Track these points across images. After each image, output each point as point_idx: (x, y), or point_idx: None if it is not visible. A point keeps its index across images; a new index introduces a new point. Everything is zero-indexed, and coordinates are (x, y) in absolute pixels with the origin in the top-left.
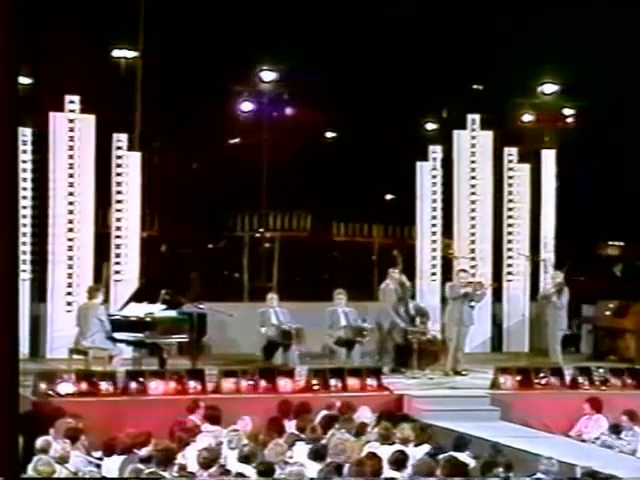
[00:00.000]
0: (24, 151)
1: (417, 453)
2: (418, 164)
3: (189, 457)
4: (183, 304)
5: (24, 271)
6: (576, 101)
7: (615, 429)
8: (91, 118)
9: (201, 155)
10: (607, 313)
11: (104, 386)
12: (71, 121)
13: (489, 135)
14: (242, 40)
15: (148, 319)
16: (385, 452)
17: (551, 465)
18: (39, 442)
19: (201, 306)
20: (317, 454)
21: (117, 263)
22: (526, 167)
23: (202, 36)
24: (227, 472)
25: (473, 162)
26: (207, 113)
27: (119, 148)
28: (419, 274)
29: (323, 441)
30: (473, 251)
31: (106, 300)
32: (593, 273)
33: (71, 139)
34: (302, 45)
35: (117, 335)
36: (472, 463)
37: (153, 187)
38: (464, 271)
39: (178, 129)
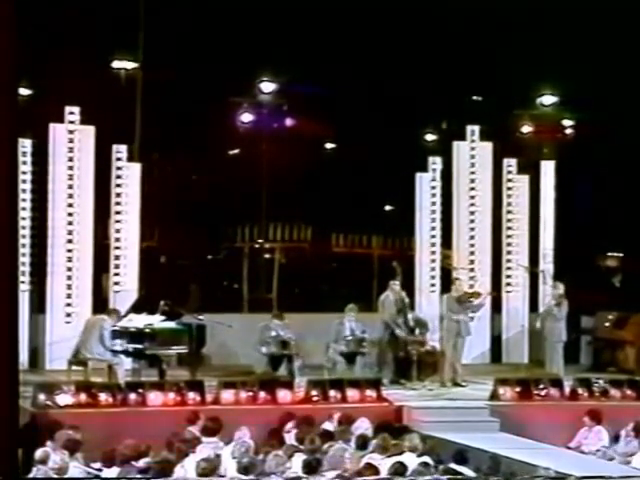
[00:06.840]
0: (24, 162)
1: (417, 463)
2: (417, 175)
3: (188, 468)
4: (182, 315)
5: (23, 282)
6: (575, 112)
7: (616, 441)
8: (91, 129)
9: (201, 166)
10: (606, 324)
11: (103, 397)
12: (71, 132)
13: (488, 146)
14: (242, 51)
15: (147, 330)
16: (384, 463)
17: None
18: (38, 453)
19: (200, 317)
20: (310, 467)
21: (116, 274)
22: (525, 178)
23: (202, 47)
24: None
25: (472, 173)
26: (207, 124)
27: (119, 159)
28: (418, 285)
29: (317, 454)
30: (472, 262)
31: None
32: (592, 284)
33: (71, 150)
34: (302, 57)
35: (116, 346)
36: (471, 475)
37: (153, 198)
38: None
39: (178, 140)
